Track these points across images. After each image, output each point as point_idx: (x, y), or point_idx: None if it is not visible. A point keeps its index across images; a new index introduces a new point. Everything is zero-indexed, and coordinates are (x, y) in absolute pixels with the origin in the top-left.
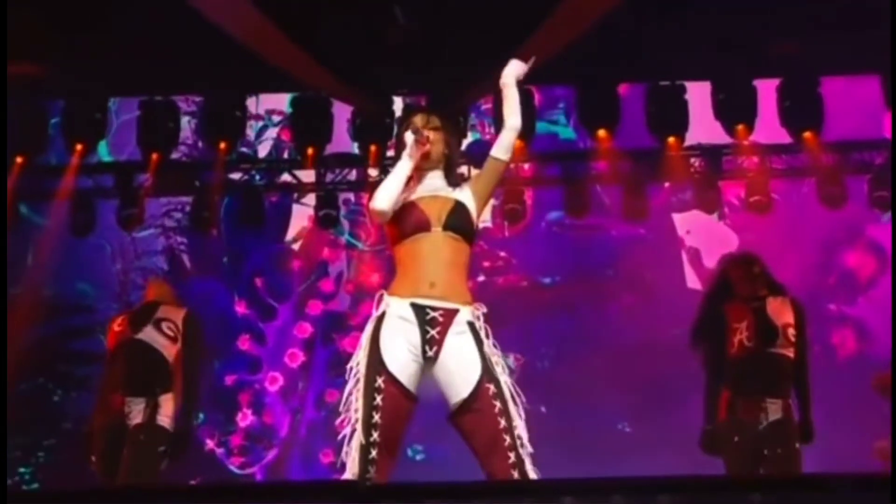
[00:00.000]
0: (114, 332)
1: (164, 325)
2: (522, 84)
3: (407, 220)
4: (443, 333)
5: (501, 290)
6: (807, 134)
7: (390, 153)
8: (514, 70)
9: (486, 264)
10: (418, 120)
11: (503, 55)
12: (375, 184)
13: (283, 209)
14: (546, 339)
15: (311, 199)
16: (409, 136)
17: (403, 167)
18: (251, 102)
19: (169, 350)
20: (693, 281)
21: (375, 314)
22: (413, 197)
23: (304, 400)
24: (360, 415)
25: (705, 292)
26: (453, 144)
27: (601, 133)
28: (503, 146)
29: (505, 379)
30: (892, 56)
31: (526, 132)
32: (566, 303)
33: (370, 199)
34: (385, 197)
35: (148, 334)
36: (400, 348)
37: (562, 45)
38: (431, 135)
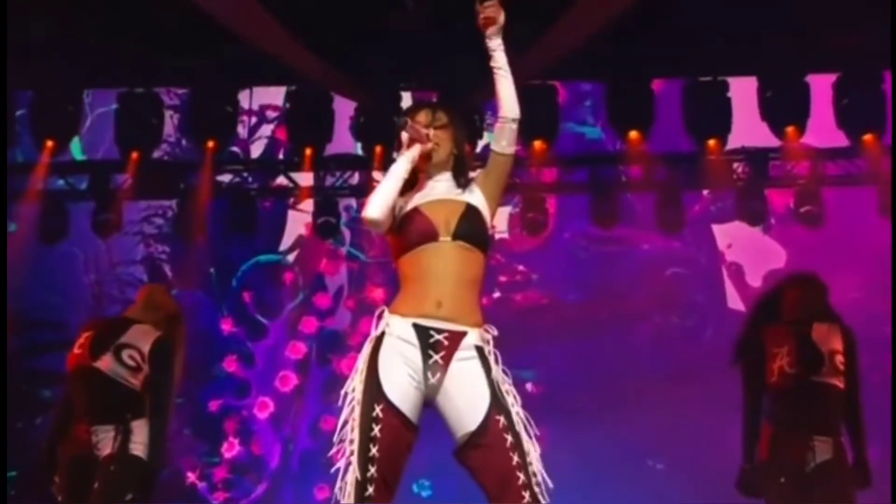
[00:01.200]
0: (73, 353)
1: (124, 355)
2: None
3: (410, 229)
4: (447, 358)
5: (520, 309)
6: (867, 136)
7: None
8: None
9: (503, 279)
10: (422, 116)
11: (522, 46)
12: None
13: (278, 216)
14: (568, 364)
15: (308, 204)
16: (404, 135)
17: (398, 169)
18: (243, 96)
19: (133, 380)
20: (735, 301)
21: (374, 334)
22: (417, 203)
23: (296, 428)
24: (355, 447)
25: (748, 313)
26: (463, 143)
27: (633, 134)
28: (506, 137)
29: (517, 410)
30: (893, 56)
31: (549, 133)
32: (592, 323)
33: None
34: (377, 204)
35: (106, 364)
36: (400, 373)
37: (586, 36)
38: (437, 133)
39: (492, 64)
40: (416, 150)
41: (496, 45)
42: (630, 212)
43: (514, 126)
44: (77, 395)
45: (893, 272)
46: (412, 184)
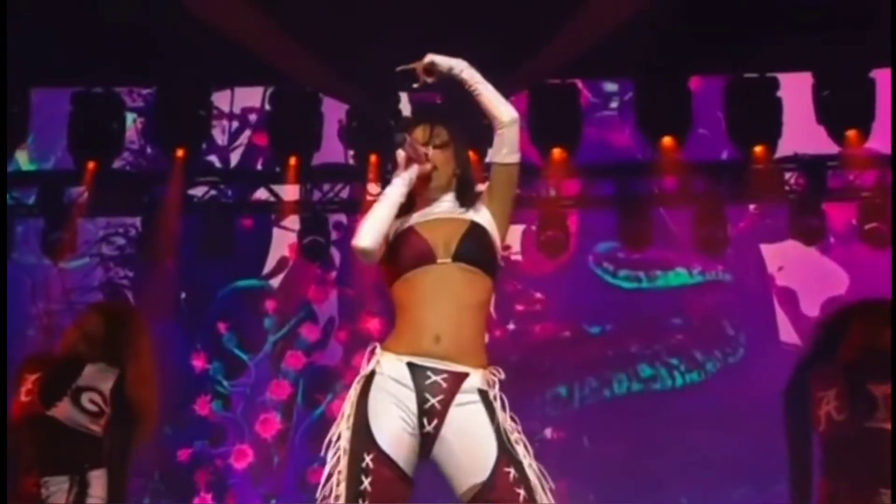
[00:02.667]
0: (20, 401)
1: (84, 399)
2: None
3: (404, 250)
4: (446, 403)
5: (537, 342)
6: None
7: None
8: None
9: (520, 308)
10: (418, 133)
11: (535, 41)
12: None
13: (259, 235)
14: (593, 407)
15: (293, 221)
16: (400, 153)
17: (393, 193)
18: (222, 98)
19: (94, 425)
20: (787, 332)
21: (363, 373)
22: (411, 222)
23: (280, 481)
24: (342, 502)
25: (802, 349)
26: (468, 162)
27: (667, 140)
28: (506, 145)
29: (530, 462)
30: (893, 57)
31: (570, 139)
32: (620, 359)
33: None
34: (369, 232)
35: (64, 412)
36: (392, 418)
37: (611, 27)
38: (436, 153)
39: (464, 88)
40: (413, 171)
41: (457, 76)
42: (664, 230)
43: (513, 130)
44: (25, 446)
45: (893, 276)
46: (409, 206)
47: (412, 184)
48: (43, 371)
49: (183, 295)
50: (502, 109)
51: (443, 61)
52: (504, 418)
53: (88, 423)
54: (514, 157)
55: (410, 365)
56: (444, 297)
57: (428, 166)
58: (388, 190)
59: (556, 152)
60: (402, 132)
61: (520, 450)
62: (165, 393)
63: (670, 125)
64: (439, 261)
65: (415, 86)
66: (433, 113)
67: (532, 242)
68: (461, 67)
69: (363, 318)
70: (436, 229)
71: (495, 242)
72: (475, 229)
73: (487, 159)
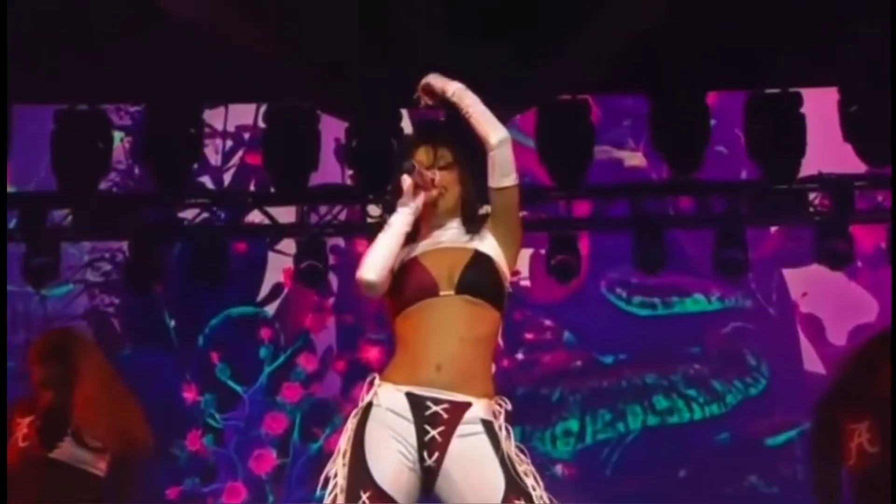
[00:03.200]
0: (18, 447)
1: (87, 437)
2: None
3: (406, 283)
4: (447, 435)
5: (547, 372)
6: None
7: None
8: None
9: (529, 336)
10: (422, 155)
11: (544, 56)
12: (377, 227)
13: (253, 260)
14: (607, 441)
15: (289, 245)
16: (406, 180)
17: (399, 223)
18: (216, 116)
19: (100, 464)
20: (812, 362)
21: (361, 405)
22: (416, 252)
23: None
24: None
25: (829, 380)
26: (473, 183)
27: (683, 159)
28: (498, 168)
29: (540, 493)
30: (893, 57)
31: (580, 158)
32: (634, 390)
33: (360, 263)
34: (374, 265)
35: (66, 452)
36: (390, 453)
37: (623, 40)
38: (443, 175)
39: (457, 110)
40: (420, 199)
41: (449, 98)
42: (680, 254)
43: (503, 152)
44: (23, 492)
45: (893, 284)
46: (414, 234)
47: (419, 212)
48: (37, 413)
49: (172, 323)
50: (490, 131)
51: (437, 83)
52: (510, 448)
53: (94, 462)
54: (509, 181)
55: (409, 395)
56: (448, 331)
57: (434, 192)
58: (394, 219)
59: (567, 172)
60: (409, 157)
61: (529, 482)
62: (155, 427)
63: (687, 143)
64: (442, 293)
65: (420, 105)
66: (436, 133)
67: (541, 267)
68: (453, 90)
69: (363, 346)
70: (440, 260)
71: (501, 271)
72: (479, 259)
73: (488, 184)
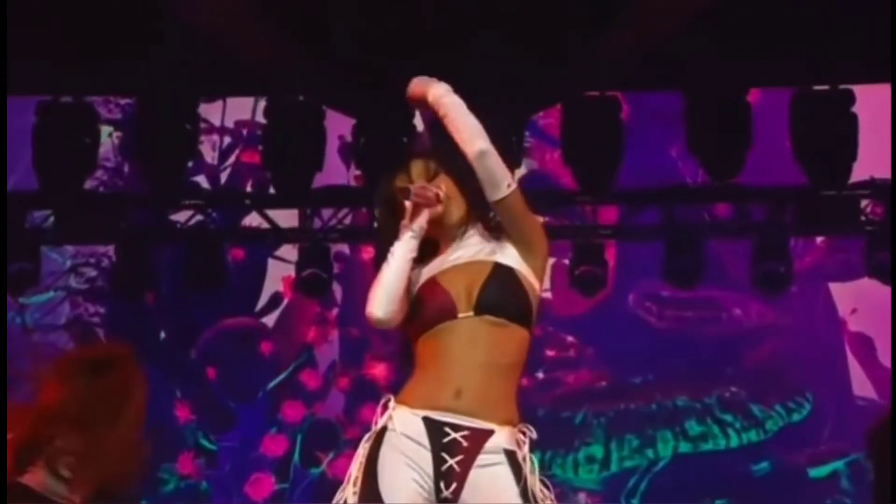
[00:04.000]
0: None
1: (60, 464)
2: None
3: (424, 306)
4: (466, 464)
5: (569, 393)
6: None
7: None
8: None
9: (549, 354)
10: (416, 172)
11: (571, 48)
12: None
13: (252, 267)
14: (635, 467)
15: (290, 252)
16: (407, 205)
17: (402, 251)
18: (212, 109)
19: (73, 495)
20: (862, 385)
21: (374, 429)
22: (435, 271)
23: None
24: None
25: (885, 406)
26: (472, 189)
27: (721, 162)
28: (488, 182)
29: None
30: (893, 57)
31: (608, 160)
32: (665, 413)
33: (375, 263)
34: (381, 300)
35: (37, 479)
36: (404, 481)
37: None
38: (444, 183)
39: (438, 111)
40: (423, 218)
41: (431, 104)
42: (717, 265)
43: (483, 164)
44: None
45: (893, 287)
46: (434, 250)
47: (423, 232)
48: (16, 430)
49: (163, 335)
50: (466, 143)
51: (417, 88)
52: (533, 482)
53: (66, 494)
54: (499, 192)
55: (427, 420)
56: (467, 357)
57: (440, 208)
58: (396, 248)
59: (594, 174)
60: (402, 183)
61: None
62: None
63: (726, 144)
64: (461, 315)
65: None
66: (422, 145)
67: (564, 278)
68: (433, 95)
69: (368, 362)
70: (457, 277)
71: (527, 284)
72: (499, 272)
73: None
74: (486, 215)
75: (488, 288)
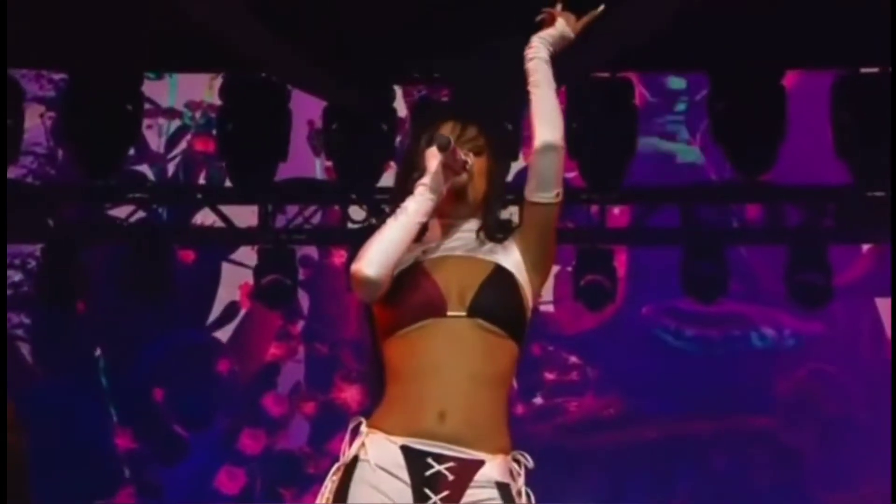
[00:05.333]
0: None
1: None
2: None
3: (406, 295)
4: (452, 501)
5: (573, 423)
6: None
7: (386, 181)
8: (558, 33)
9: (549, 377)
10: (447, 131)
11: (579, 15)
12: (362, 233)
13: (202, 272)
14: None
15: (249, 255)
16: (432, 155)
17: (416, 208)
18: (157, 88)
19: None
20: None
21: (343, 460)
22: (421, 257)
23: None
24: None
25: None
26: (498, 177)
27: (751, 155)
28: (543, 177)
29: None
30: (893, 55)
31: (619, 152)
32: (684, 447)
33: (354, 257)
34: (376, 258)
35: None
36: None
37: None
38: (474, 160)
39: (529, 75)
40: (446, 181)
41: (538, 55)
42: (745, 276)
43: (547, 160)
44: None
45: (893, 282)
46: (420, 233)
47: (442, 198)
48: None
49: (98, 351)
50: (547, 127)
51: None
52: None
53: None
54: (545, 196)
55: (406, 449)
56: (455, 365)
57: (464, 177)
58: (410, 203)
59: (602, 169)
60: (433, 131)
61: None
62: (74, 483)
63: (756, 135)
64: (450, 313)
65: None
66: (468, 109)
67: (567, 289)
68: (538, 51)
69: (338, 385)
70: (451, 270)
71: (524, 294)
72: (500, 275)
73: (524, 191)
74: (496, 210)
75: (487, 288)
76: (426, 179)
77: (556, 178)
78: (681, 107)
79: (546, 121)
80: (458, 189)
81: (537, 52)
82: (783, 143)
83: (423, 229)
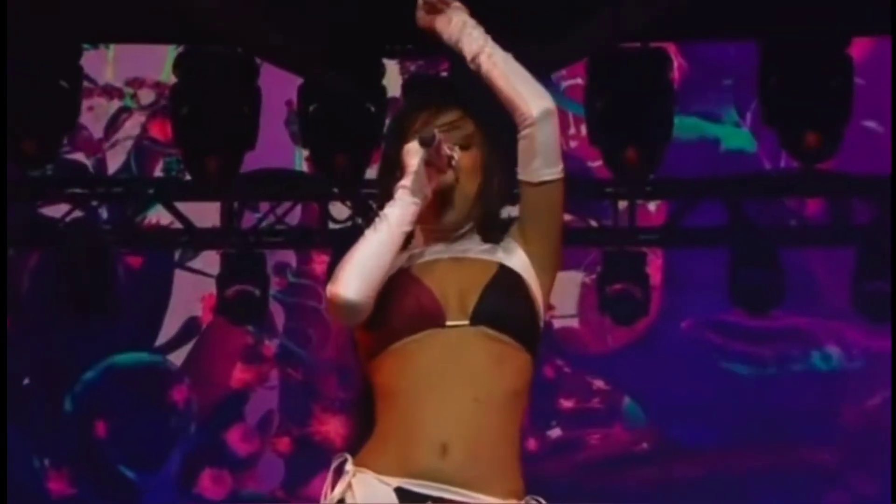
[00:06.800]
0: None
1: None
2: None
3: (396, 306)
4: None
5: (597, 459)
6: None
7: (374, 172)
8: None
9: (567, 404)
10: (442, 122)
11: None
12: (346, 235)
13: (153, 281)
14: None
15: (210, 261)
16: (412, 152)
17: (397, 217)
18: (94, 59)
19: None
20: None
21: (325, 503)
22: (408, 262)
23: None
24: None
25: None
26: (499, 171)
27: (810, 138)
28: (542, 155)
29: None
30: (893, 55)
31: (654, 137)
32: (731, 488)
33: (337, 262)
34: (355, 278)
35: None
36: None
37: None
38: (463, 156)
39: (466, 56)
40: (431, 185)
41: (457, 30)
42: (805, 284)
43: (546, 129)
44: None
45: (893, 286)
46: (407, 236)
47: (426, 202)
48: None
49: (26, 380)
50: (529, 96)
51: (428, 19)
52: None
53: None
54: (552, 173)
55: (401, 492)
56: (457, 383)
57: (450, 176)
58: (391, 210)
59: (631, 155)
60: (411, 125)
61: None
62: None
63: (816, 114)
64: (450, 323)
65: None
66: (451, 93)
67: (590, 300)
68: (473, 41)
69: (318, 416)
70: (446, 274)
71: (535, 297)
72: (505, 276)
73: (518, 175)
74: (495, 209)
75: (492, 292)
76: (407, 181)
77: (558, 150)
78: (727, 81)
79: (529, 91)
80: (445, 191)
81: (462, 26)
82: (847, 124)
83: (409, 237)
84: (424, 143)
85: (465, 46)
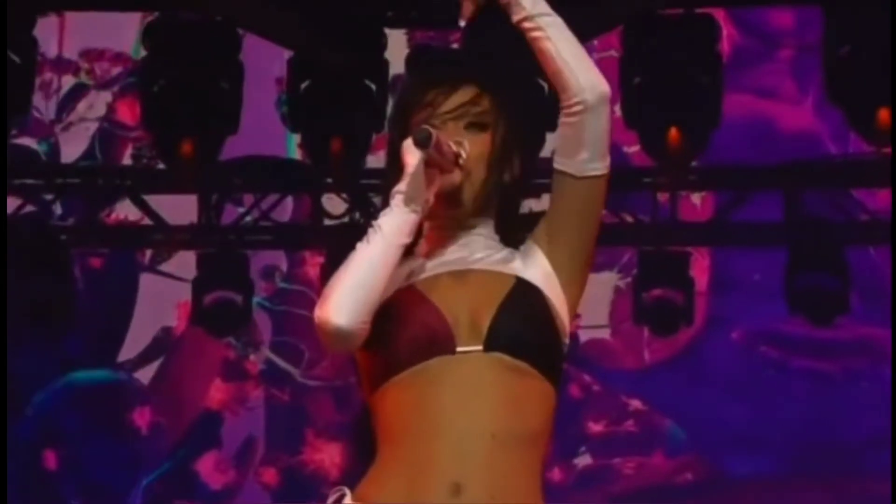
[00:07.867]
0: None
1: None
2: None
3: (400, 329)
4: None
5: (632, 492)
6: None
7: (374, 161)
8: None
9: (596, 428)
10: (452, 102)
11: None
12: (342, 233)
13: (117, 286)
14: None
15: (185, 263)
16: (410, 150)
17: (392, 229)
18: (42, 27)
19: None
20: None
21: None
22: (416, 276)
23: None
24: None
25: None
26: (519, 157)
27: (883, 117)
28: (590, 146)
29: None
30: (893, 55)
31: (699, 119)
32: None
33: (331, 264)
34: (346, 301)
35: None
36: None
37: None
38: (471, 142)
39: (513, 15)
40: (433, 189)
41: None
42: (874, 288)
43: (597, 117)
44: None
45: (893, 279)
46: (411, 244)
47: (428, 208)
48: None
49: None
50: (581, 76)
51: None
52: None
53: None
54: (598, 168)
55: None
56: (471, 417)
57: (457, 176)
58: (384, 222)
59: (673, 137)
60: (413, 112)
61: None
62: None
63: (889, 91)
64: (461, 349)
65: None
66: (462, 65)
67: (625, 308)
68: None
69: (310, 442)
70: (455, 289)
71: (557, 315)
72: (522, 292)
73: (554, 163)
74: (514, 205)
75: (507, 312)
76: (403, 185)
77: (606, 141)
78: (785, 53)
79: (583, 65)
80: (451, 192)
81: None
82: None
83: (416, 237)
84: (419, 144)
85: (514, 3)
